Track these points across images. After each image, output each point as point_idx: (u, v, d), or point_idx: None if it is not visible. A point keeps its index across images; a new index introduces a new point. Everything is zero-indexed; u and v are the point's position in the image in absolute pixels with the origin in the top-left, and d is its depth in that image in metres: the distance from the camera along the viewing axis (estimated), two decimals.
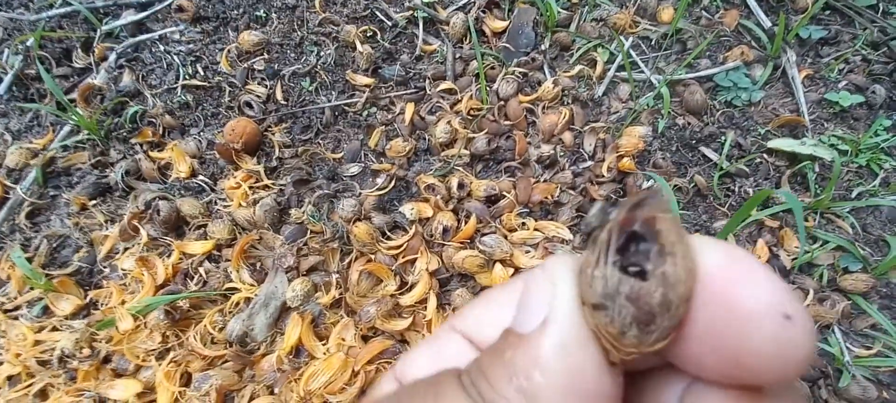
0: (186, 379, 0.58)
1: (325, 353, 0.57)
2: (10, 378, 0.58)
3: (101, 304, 0.65)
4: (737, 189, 0.77)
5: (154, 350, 0.58)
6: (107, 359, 0.60)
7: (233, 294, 0.64)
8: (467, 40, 0.84)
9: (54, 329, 0.62)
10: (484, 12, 0.86)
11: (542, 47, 0.85)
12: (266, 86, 0.80)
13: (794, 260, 0.72)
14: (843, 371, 0.66)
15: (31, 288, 0.64)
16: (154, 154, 0.76)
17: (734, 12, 0.92)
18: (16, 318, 0.63)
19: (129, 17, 0.87)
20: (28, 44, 0.83)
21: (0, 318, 0.63)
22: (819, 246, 0.74)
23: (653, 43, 0.88)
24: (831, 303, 0.70)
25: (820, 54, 0.93)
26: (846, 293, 0.71)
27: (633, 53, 0.86)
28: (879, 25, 0.94)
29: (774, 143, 0.81)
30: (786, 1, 0.95)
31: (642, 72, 0.84)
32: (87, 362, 0.58)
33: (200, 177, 0.74)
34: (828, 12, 0.96)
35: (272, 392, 0.57)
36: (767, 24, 0.91)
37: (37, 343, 0.60)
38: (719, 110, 0.84)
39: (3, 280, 0.67)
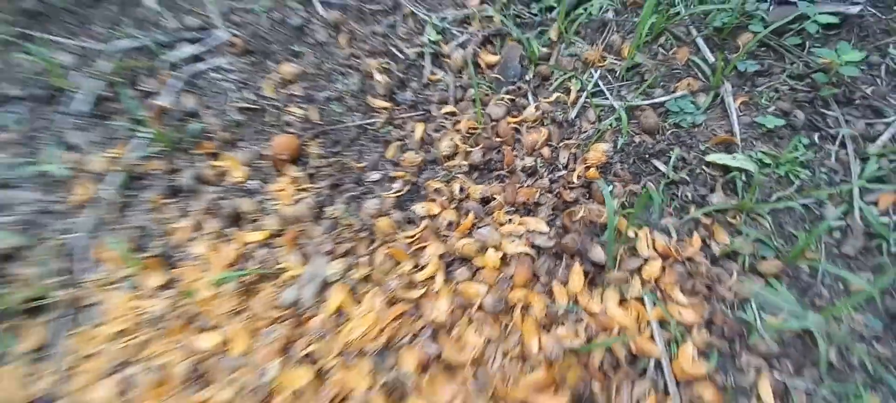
0: (253, 334, 0.77)
1: (359, 313, 0.76)
2: (120, 332, 0.76)
3: (179, 281, 0.83)
4: (679, 194, 0.97)
5: (228, 312, 0.77)
6: (190, 321, 0.79)
7: (283, 272, 0.83)
8: (466, 71, 1.04)
9: (147, 297, 0.80)
10: (479, 48, 1.06)
11: (527, 77, 1.04)
12: (303, 109, 0.99)
13: (721, 249, 0.92)
14: (755, 333, 0.86)
15: (125, 268, 0.83)
16: (213, 162, 0.95)
17: (685, 49, 1.13)
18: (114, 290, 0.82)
19: (185, 49, 1.06)
20: (104, 70, 1.01)
21: (101, 291, 0.81)
22: (742, 239, 0.94)
23: (617, 74, 1.08)
24: (750, 282, 0.90)
25: (755, 84, 1.13)
26: (762, 275, 0.91)
27: (600, 83, 1.06)
28: (804, 61, 1.14)
29: (711, 158, 1.00)
30: (728, 40, 1.15)
31: (607, 98, 1.04)
32: (176, 321, 0.77)
33: (252, 182, 0.93)
34: (763, 49, 1.16)
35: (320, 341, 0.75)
36: (711, 59, 1.11)
37: (134, 307, 0.79)
38: (669, 130, 1.04)
39: (99, 262, 0.85)
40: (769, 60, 1.15)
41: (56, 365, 0.75)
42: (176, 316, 0.78)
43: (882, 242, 0.97)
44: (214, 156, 0.95)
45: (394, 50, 1.06)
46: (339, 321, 0.77)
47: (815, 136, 1.09)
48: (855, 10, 1.15)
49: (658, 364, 0.82)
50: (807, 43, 1.16)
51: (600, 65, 1.07)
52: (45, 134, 0.98)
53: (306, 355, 0.74)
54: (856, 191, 1.01)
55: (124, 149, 0.95)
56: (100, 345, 0.76)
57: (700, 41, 1.13)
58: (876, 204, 1.02)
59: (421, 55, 1.05)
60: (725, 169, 1.00)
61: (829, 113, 1.10)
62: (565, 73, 1.04)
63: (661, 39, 1.13)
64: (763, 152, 1.03)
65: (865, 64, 1.19)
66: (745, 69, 1.12)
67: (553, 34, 1.08)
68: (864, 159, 1.06)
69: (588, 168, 0.94)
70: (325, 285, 0.80)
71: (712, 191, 0.99)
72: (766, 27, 1.11)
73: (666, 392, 0.80)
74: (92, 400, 0.70)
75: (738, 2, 1.14)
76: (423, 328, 0.78)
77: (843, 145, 1.07)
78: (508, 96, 1.00)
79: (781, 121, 1.05)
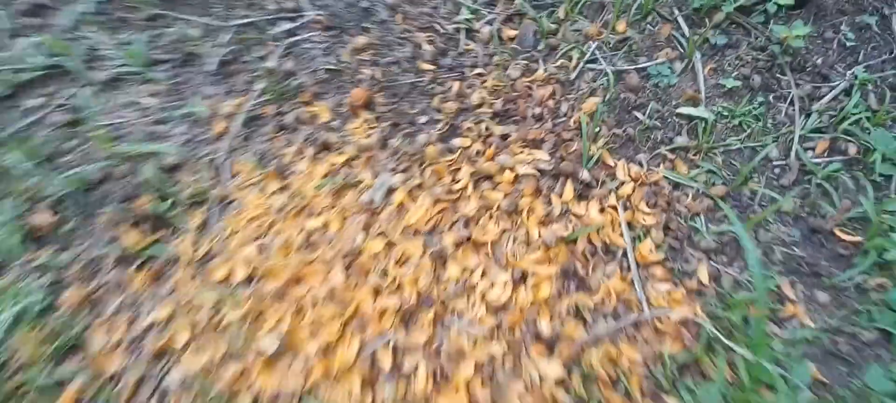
0: (343, 220, 1.13)
1: (414, 208, 1.11)
2: (254, 217, 1.14)
3: (290, 186, 1.20)
4: (652, 136, 1.28)
5: (326, 206, 1.13)
6: (301, 211, 1.15)
7: (361, 183, 1.18)
8: (492, 42, 1.37)
9: (269, 196, 1.18)
10: (502, 25, 1.38)
11: (539, 48, 1.37)
12: (371, 70, 1.34)
13: (682, 178, 1.23)
14: (701, 235, 1.17)
15: (253, 177, 1.20)
16: (307, 108, 1.31)
17: (668, 26, 1.42)
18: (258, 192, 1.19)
19: (284, 25, 1.42)
20: (224, 41, 1.38)
21: (239, 191, 1.19)
22: (700, 171, 1.25)
23: (610, 45, 1.39)
24: (701, 201, 1.21)
25: (724, 55, 1.42)
26: (711, 197, 1.22)
27: (596, 53, 1.37)
28: (766, 35, 1.42)
29: (681, 110, 1.31)
30: (705, 18, 1.44)
31: (601, 64, 1.35)
32: (291, 211, 1.14)
33: (336, 122, 1.29)
34: (733, 26, 1.45)
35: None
36: (688, 34, 1.41)
37: (262, 203, 1.16)
38: (648, 89, 1.34)
39: (236, 173, 1.23)
40: (737, 35, 1.44)
41: (214, 237, 1.13)
42: (291, 207, 1.15)
43: (812, 177, 1.26)
44: (308, 103, 1.31)
45: (437, 26, 1.39)
46: (401, 213, 1.13)
47: (770, 97, 1.38)
48: None
49: (624, 253, 1.14)
50: (769, 22, 1.44)
51: (598, 38, 1.38)
52: (186, 87, 1.36)
53: (380, 232, 1.10)
54: (796, 138, 1.31)
55: (244, 98, 1.32)
56: (241, 226, 1.14)
57: (680, 19, 1.42)
58: (813, 149, 1.31)
59: (457, 30, 1.39)
60: (690, 118, 1.30)
61: (783, 78, 1.39)
62: (569, 45, 1.36)
63: (649, 18, 1.43)
64: (723, 106, 1.33)
65: (821, 38, 1.47)
66: (716, 42, 1.41)
67: (561, 13, 1.39)
68: (808, 115, 1.35)
69: (581, 115, 1.26)
70: (390, 190, 1.16)
71: (679, 134, 1.29)
72: (734, 7, 1.40)
73: (628, 270, 1.13)
74: (242, 256, 1.08)
75: None
76: (458, 219, 1.13)
77: (792, 104, 1.36)
78: (524, 62, 1.33)
79: (739, 83, 1.35)
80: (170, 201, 1.17)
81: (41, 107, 1.32)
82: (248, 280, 1.08)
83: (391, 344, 1.01)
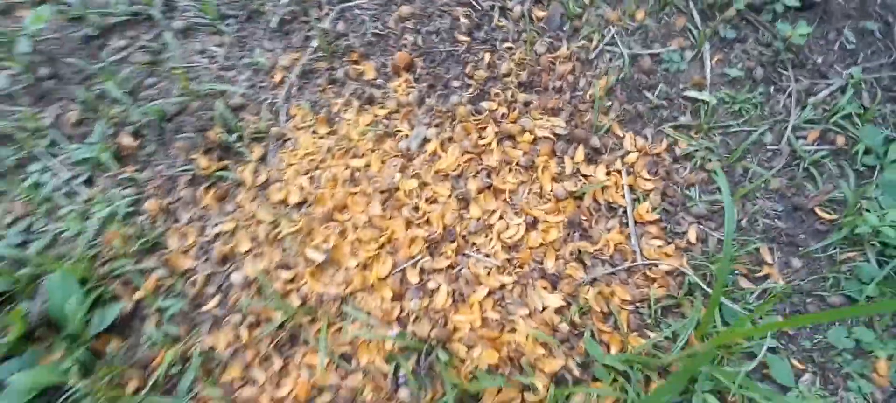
0: (383, 162, 1.31)
1: (444, 157, 1.29)
2: (306, 154, 1.32)
3: (338, 131, 1.38)
4: (658, 114, 1.44)
5: (368, 149, 1.32)
6: (346, 152, 1.34)
7: (399, 133, 1.36)
8: (522, 21, 1.53)
9: (320, 138, 1.36)
10: (533, 6, 1.55)
11: (564, 28, 1.53)
12: (413, 37, 1.51)
13: (683, 152, 1.39)
14: (694, 203, 1.33)
15: (306, 121, 1.38)
16: (355, 66, 1.49)
17: (683, 18, 1.57)
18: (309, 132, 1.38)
19: None
20: (284, 1, 1.57)
21: (294, 132, 1.37)
22: (699, 147, 1.40)
23: (629, 31, 1.54)
24: (697, 174, 1.37)
25: (732, 48, 1.56)
26: (707, 171, 1.38)
27: (616, 37, 1.53)
28: (772, 33, 1.56)
29: (687, 93, 1.46)
30: (717, 13, 1.59)
31: (618, 47, 1.51)
32: (338, 151, 1.32)
33: (379, 80, 1.46)
34: (743, 22, 1.59)
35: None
36: (700, 26, 1.55)
37: (313, 142, 1.35)
38: (659, 73, 1.50)
39: (292, 116, 1.41)
40: (746, 31, 1.58)
41: (272, 167, 1.32)
42: (337, 148, 1.33)
43: (801, 162, 1.41)
44: (356, 62, 1.49)
45: (474, 3, 1.55)
46: (433, 159, 1.30)
47: (770, 89, 1.52)
48: None
49: (624, 212, 1.31)
50: (777, 21, 1.58)
51: (617, 23, 1.53)
52: (250, 40, 1.55)
53: (414, 174, 1.28)
54: (790, 126, 1.45)
55: (300, 53, 1.51)
56: (295, 160, 1.33)
57: (694, 12, 1.57)
58: (805, 138, 1.46)
59: (492, 8, 1.55)
60: (694, 101, 1.46)
61: (784, 73, 1.53)
62: (591, 28, 1.51)
63: (666, 8, 1.58)
64: (726, 93, 1.48)
65: (824, 39, 1.60)
66: (725, 35, 1.56)
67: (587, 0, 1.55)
68: (803, 107, 1.49)
69: (596, 90, 1.42)
70: (425, 141, 1.34)
71: (683, 114, 1.45)
72: (744, 4, 1.54)
73: (626, 226, 1.29)
74: (296, 184, 1.27)
75: None
76: (482, 169, 1.30)
77: (790, 96, 1.51)
78: (549, 40, 1.49)
79: (743, 74, 1.49)
80: (235, 135, 1.36)
81: (125, 47, 1.52)
82: (301, 204, 1.27)
83: (418, 266, 1.19)
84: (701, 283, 1.19)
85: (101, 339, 1.15)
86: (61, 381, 1.07)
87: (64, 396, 1.08)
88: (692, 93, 1.45)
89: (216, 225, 1.26)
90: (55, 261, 1.19)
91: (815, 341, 1.23)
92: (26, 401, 1.05)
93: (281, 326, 1.15)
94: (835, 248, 1.30)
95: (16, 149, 1.33)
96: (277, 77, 1.45)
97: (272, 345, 1.15)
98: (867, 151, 1.40)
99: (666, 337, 1.16)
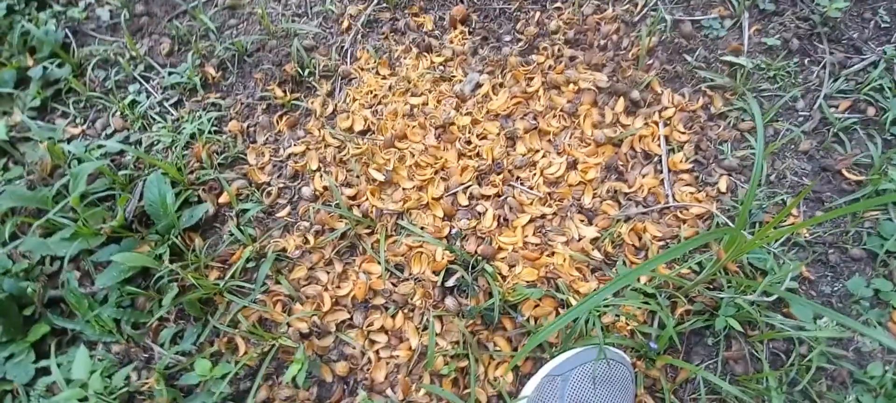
0: (439, 101, 1.44)
1: (495, 99, 1.42)
2: (369, 91, 1.47)
3: (399, 73, 1.52)
4: (696, 75, 1.54)
5: (426, 90, 1.45)
6: (406, 91, 1.48)
7: (454, 77, 1.50)
8: None
9: (382, 78, 1.50)
10: None
11: None
12: None
13: (717, 111, 1.49)
14: (726, 156, 1.43)
15: (370, 63, 1.53)
16: (415, 18, 1.63)
17: None
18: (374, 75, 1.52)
19: None
20: None
21: (359, 72, 1.52)
22: (733, 108, 1.50)
23: None
24: (730, 131, 1.46)
25: (770, 19, 1.65)
26: (740, 130, 1.47)
27: (659, 3, 1.63)
28: (810, 7, 1.64)
29: (724, 57, 1.56)
30: None
31: (661, 12, 1.61)
32: (398, 90, 1.46)
33: (437, 31, 1.60)
34: None
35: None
36: None
37: (376, 82, 1.49)
38: (699, 38, 1.60)
39: (358, 58, 1.56)
40: (784, 4, 1.67)
41: (339, 100, 1.47)
42: (398, 88, 1.47)
43: (831, 128, 1.49)
44: (416, 15, 1.63)
45: None
46: (484, 101, 1.43)
47: (805, 60, 1.60)
48: None
49: (659, 159, 1.41)
50: None
51: None
52: None
53: (467, 113, 1.41)
54: (823, 94, 1.53)
55: (366, 4, 1.65)
56: (360, 95, 1.47)
57: None
58: (836, 107, 1.54)
59: None
60: (731, 64, 1.55)
61: (820, 46, 1.61)
62: None
63: None
64: (761, 60, 1.57)
65: (860, 17, 1.68)
66: (765, 7, 1.64)
67: None
68: (836, 79, 1.57)
69: (638, 50, 1.53)
70: (478, 85, 1.47)
71: (719, 76, 1.55)
72: None
73: (660, 173, 1.40)
74: (360, 115, 1.42)
75: None
76: (528, 112, 1.42)
77: (824, 68, 1.59)
78: (596, 2, 1.60)
79: (779, 43, 1.58)
80: (307, 71, 1.52)
81: None
82: (364, 132, 1.42)
83: (468, 192, 1.32)
84: (730, 224, 1.29)
85: (187, 235, 1.31)
86: (154, 266, 1.24)
87: (154, 278, 1.25)
88: (729, 58, 1.54)
89: (289, 146, 1.41)
90: (149, 167, 1.36)
91: (835, 287, 1.31)
92: (125, 277, 1.22)
93: (343, 236, 1.30)
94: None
95: (117, 71, 1.51)
96: (345, 24, 1.60)
97: (334, 251, 1.29)
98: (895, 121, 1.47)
99: (692, 269, 1.26)
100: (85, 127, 1.48)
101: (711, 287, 1.25)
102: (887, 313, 1.28)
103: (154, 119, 1.45)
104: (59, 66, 1.53)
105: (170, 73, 1.49)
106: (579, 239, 1.29)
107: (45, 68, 1.52)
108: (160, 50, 1.56)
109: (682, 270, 1.25)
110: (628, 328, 1.20)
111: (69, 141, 1.45)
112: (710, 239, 1.21)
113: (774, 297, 1.23)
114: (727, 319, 1.19)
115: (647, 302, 1.23)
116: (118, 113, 1.46)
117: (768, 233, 1.21)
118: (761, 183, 1.40)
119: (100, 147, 1.39)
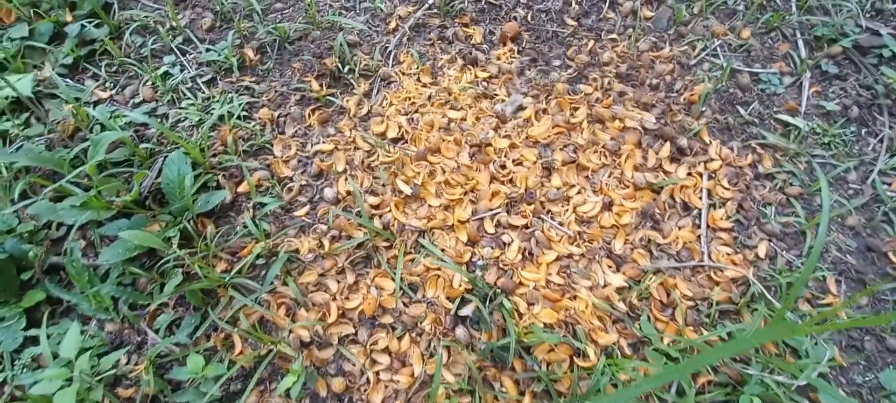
0: (479, 118, 1.39)
1: (536, 126, 1.36)
2: (407, 97, 1.42)
3: (440, 83, 1.47)
4: (747, 131, 1.47)
5: (466, 104, 1.40)
6: (445, 103, 1.42)
7: (496, 96, 1.44)
8: (630, 17, 1.58)
9: (422, 86, 1.45)
10: (643, 4, 1.59)
11: (669, 31, 1.57)
12: (524, 12, 1.59)
13: (765, 171, 1.41)
14: (769, 220, 1.36)
15: (412, 68, 1.48)
16: (465, 29, 1.57)
17: (787, 44, 1.58)
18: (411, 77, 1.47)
19: None
20: None
21: (399, 76, 1.47)
22: (782, 170, 1.42)
23: (732, 46, 1.57)
24: (776, 194, 1.39)
25: (831, 82, 1.57)
26: (786, 194, 1.40)
27: (718, 50, 1.56)
28: (874, 77, 1.56)
29: (780, 115, 1.49)
30: (822, 46, 1.60)
31: (719, 59, 1.54)
32: (437, 101, 1.41)
33: (485, 45, 1.54)
34: (846, 60, 1.59)
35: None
36: (804, 55, 1.57)
37: (416, 89, 1.44)
38: (755, 91, 1.52)
39: (399, 62, 1.51)
40: (848, 70, 1.59)
41: (375, 103, 1.42)
42: (437, 98, 1.42)
43: (881, 206, 1.41)
44: (466, 25, 1.58)
45: None
46: (525, 126, 1.38)
47: (863, 131, 1.52)
48: None
49: (699, 213, 1.35)
50: (881, 64, 1.57)
51: (722, 37, 1.57)
52: None
53: (505, 135, 1.36)
54: (877, 169, 1.45)
55: (417, 7, 1.60)
56: (397, 100, 1.42)
57: (800, 41, 1.58)
58: (889, 184, 1.46)
59: (603, 0, 1.61)
60: (786, 124, 1.48)
61: (880, 118, 1.53)
62: (696, 36, 1.55)
63: (772, 33, 1.60)
64: (817, 124, 1.49)
65: None
66: (827, 69, 1.57)
67: (696, 9, 1.58)
68: (893, 154, 1.49)
69: (693, 95, 1.46)
70: (520, 108, 1.41)
71: (772, 134, 1.47)
72: (852, 44, 1.54)
73: (698, 228, 1.33)
74: (395, 121, 1.37)
75: (839, 21, 1.58)
76: (569, 144, 1.37)
77: (881, 141, 1.51)
78: (653, 39, 1.54)
79: (838, 109, 1.50)
80: (347, 67, 1.47)
81: None
82: (397, 140, 1.37)
83: (496, 219, 1.27)
84: (766, 293, 1.22)
85: (200, 220, 1.27)
86: (161, 248, 1.20)
87: (160, 261, 1.21)
88: (784, 117, 1.47)
89: (317, 142, 1.36)
90: (172, 145, 1.32)
91: (867, 378, 1.24)
92: (130, 256, 1.18)
93: (360, 245, 1.25)
94: None
95: (155, 39, 1.48)
96: (392, 24, 1.55)
97: (348, 260, 1.24)
98: None
99: (721, 337, 1.20)
100: (113, 92, 1.45)
101: (737, 359, 1.18)
102: None
103: (184, 94, 1.42)
104: (97, 26, 1.50)
105: (208, 50, 1.45)
106: (605, 286, 1.23)
107: (82, 26, 1.49)
108: (201, 24, 1.52)
109: (710, 337, 1.19)
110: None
111: (95, 105, 1.42)
112: (756, 323, 1.14)
113: (805, 382, 1.16)
114: (753, 398, 1.12)
115: (668, 364, 1.17)
116: (149, 82, 1.43)
117: (816, 325, 1.14)
118: (801, 253, 1.33)
119: (124, 116, 1.36)
